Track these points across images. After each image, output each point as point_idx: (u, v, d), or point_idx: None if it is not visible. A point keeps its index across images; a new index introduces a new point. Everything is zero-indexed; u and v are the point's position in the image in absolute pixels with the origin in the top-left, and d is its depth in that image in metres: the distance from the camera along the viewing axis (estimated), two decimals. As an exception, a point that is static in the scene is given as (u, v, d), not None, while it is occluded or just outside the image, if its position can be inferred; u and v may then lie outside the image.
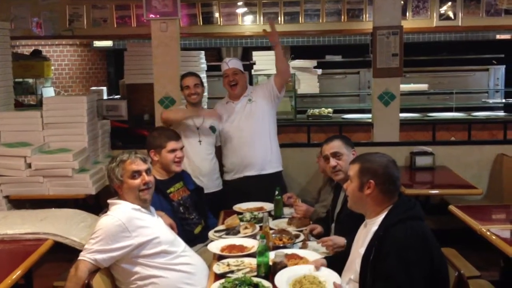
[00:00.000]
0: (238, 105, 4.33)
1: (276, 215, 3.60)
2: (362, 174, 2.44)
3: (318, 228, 3.20)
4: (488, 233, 3.17)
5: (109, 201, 2.88)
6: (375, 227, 2.38)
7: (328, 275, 2.53)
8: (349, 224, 2.88)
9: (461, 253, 3.65)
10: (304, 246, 3.01)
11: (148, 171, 2.91)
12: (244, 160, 4.25)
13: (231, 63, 4.32)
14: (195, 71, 4.73)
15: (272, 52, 7.12)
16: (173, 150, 3.54)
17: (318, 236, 3.17)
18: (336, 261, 2.69)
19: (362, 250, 2.38)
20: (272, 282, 2.50)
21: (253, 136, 4.26)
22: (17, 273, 2.76)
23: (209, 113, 4.10)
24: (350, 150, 3.23)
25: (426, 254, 2.26)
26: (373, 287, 2.27)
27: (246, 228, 3.27)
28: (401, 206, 2.40)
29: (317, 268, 2.60)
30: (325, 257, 2.75)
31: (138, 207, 2.82)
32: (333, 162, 3.19)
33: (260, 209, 3.73)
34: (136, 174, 2.85)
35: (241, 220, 3.44)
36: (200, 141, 4.20)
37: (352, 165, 2.52)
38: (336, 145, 3.23)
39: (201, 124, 4.21)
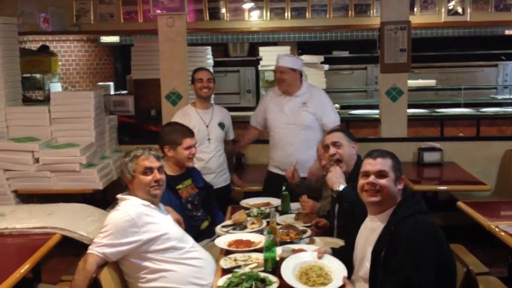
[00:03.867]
0: (289, 102, 4.26)
1: (283, 211, 3.59)
2: (395, 169, 2.45)
3: (323, 221, 3.20)
4: (497, 229, 3.16)
5: (118, 196, 2.88)
6: (382, 223, 2.38)
7: (334, 266, 2.53)
8: (349, 217, 2.88)
9: (469, 249, 3.63)
10: (311, 242, 3.00)
11: (160, 169, 2.91)
12: (290, 159, 4.08)
13: (281, 61, 4.27)
14: (201, 66, 4.72)
15: (278, 48, 7.17)
16: (188, 147, 3.54)
17: (323, 229, 3.17)
18: (340, 254, 2.68)
19: (371, 248, 2.38)
20: (279, 276, 2.50)
21: (301, 138, 4.20)
22: (25, 267, 2.78)
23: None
24: (351, 143, 3.22)
25: (436, 246, 2.27)
26: (383, 281, 2.27)
27: (253, 223, 3.27)
28: (408, 201, 2.42)
29: (320, 255, 2.60)
30: (331, 248, 2.75)
31: (148, 203, 2.83)
32: (332, 150, 3.18)
33: (267, 204, 3.73)
34: (148, 170, 2.85)
35: (248, 215, 3.44)
36: (209, 139, 4.19)
37: (382, 159, 2.47)
38: (336, 135, 3.24)
39: (209, 122, 4.21)
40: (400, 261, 2.23)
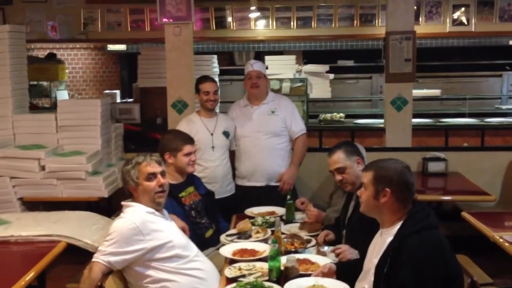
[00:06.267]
0: (257, 111, 4.32)
1: (288, 220, 3.60)
2: (377, 182, 2.40)
3: (330, 235, 3.19)
4: (501, 240, 3.15)
5: (123, 203, 2.89)
6: (390, 238, 2.35)
7: (337, 286, 2.51)
8: (359, 229, 2.88)
9: (473, 260, 3.62)
10: (322, 254, 2.99)
11: (163, 174, 2.93)
12: (258, 167, 4.24)
13: (256, 66, 4.34)
14: (207, 75, 4.74)
15: (284, 57, 7.21)
16: (188, 154, 3.57)
17: (330, 243, 3.16)
18: (346, 268, 2.68)
19: (376, 261, 2.37)
20: (283, 286, 2.50)
21: (270, 146, 4.25)
22: (30, 275, 2.78)
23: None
24: (354, 159, 3.18)
25: (441, 265, 2.24)
26: None
27: (257, 232, 3.27)
28: (416, 215, 2.36)
29: (324, 273, 2.59)
30: (336, 263, 2.74)
31: (152, 210, 2.84)
32: (338, 177, 3.20)
33: (272, 213, 3.73)
34: (151, 176, 2.87)
35: (253, 224, 3.44)
36: (213, 147, 4.21)
37: (366, 172, 2.49)
38: (337, 159, 3.19)
39: (214, 130, 4.23)
40: (405, 280, 2.21)
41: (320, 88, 7.07)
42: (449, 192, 4.89)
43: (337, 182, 3.29)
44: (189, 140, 3.66)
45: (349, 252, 2.87)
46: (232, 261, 2.90)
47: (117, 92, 7.54)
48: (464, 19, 6.24)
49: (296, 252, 2.97)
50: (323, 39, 7.36)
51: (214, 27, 6.43)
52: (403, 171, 2.41)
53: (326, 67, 7.14)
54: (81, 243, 3.31)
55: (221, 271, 2.89)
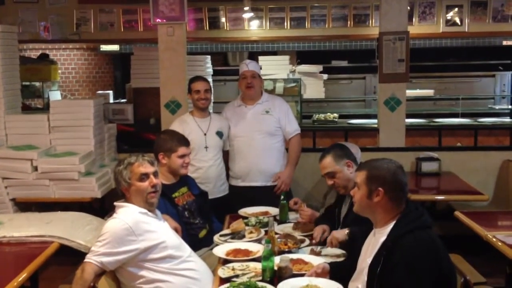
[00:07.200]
0: (251, 111, 4.30)
1: (281, 220, 3.60)
2: (370, 182, 2.40)
3: (326, 232, 3.19)
4: (494, 239, 3.17)
5: (115, 203, 2.88)
6: (383, 238, 2.35)
7: (330, 286, 2.51)
8: (354, 225, 2.88)
9: (466, 259, 3.63)
10: (317, 254, 2.99)
11: (155, 174, 2.92)
12: (252, 167, 4.22)
13: (251, 66, 4.32)
14: (201, 75, 4.74)
15: (277, 57, 7.21)
16: (183, 156, 3.55)
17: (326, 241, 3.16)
18: (340, 268, 2.68)
19: (369, 260, 2.36)
20: (277, 286, 2.50)
21: (264, 146, 4.23)
22: (22, 276, 2.77)
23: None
24: (343, 163, 3.17)
25: (435, 264, 2.24)
26: None
27: (251, 232, 3.27)
28: (409, 215, 2.36)
29: (318, 273, 2.59)
30: (329, 263, 2.74)
31: (145, 210, 2.83)
32: (329, 181, 3.21)
33: (266, 213, 3.73)
34: (144, 176, 2.86)
35: (247, 224, 3.43)
36: (206, 147, 4.20)
37: (359, 172, 2.49)
38: (327, 164, 3.20)
39: (207, 130, 4.22)
40: (399, 280, 2.21)
41: (313, 89, 7.08)
42: (442, 192, 4.90)
43: (329, 186, 3.30)
44: (184, 142, 3.63)
45: (336, 232, 2.92)
46: (225, 261, 2.89)
47: (110, 92, 7.54)
48: (457, 20, 6.27)
49: (289, 252, 2.97)
50: (317, 39, 7.37)
51: (208, 28, 6.43)
52: (396, 171, 2.42)
53: (319, 68, 7.16)
54: (74, 243, 3.30)
55: (214, 271, 2.88)
